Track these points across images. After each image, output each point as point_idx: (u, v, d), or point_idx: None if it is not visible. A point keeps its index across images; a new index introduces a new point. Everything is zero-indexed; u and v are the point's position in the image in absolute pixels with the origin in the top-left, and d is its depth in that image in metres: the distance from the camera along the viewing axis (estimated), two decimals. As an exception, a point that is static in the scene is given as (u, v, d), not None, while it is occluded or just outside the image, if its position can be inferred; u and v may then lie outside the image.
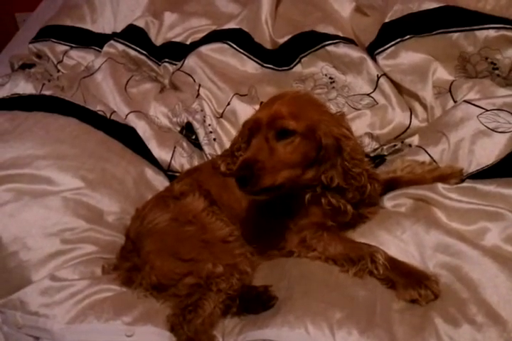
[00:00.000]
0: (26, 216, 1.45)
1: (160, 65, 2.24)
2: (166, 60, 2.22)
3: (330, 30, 2.03)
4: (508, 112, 1.55)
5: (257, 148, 1.30)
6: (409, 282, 1.24)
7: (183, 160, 1.88)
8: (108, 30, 2.38)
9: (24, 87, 2.03)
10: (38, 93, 1.99)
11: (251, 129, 1.36)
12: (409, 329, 1.15)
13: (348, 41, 1.98)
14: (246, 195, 1.33)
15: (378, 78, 1.88)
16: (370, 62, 1.90)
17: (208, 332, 1.25)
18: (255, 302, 1.26)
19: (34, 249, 1.41)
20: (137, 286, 1.37)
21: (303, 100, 1.42)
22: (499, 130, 1.54)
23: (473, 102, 1.62)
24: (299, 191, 1.41)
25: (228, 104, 1.98)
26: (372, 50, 1.92)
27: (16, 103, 1.78)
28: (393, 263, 1.30)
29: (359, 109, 1.88)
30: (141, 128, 1.91)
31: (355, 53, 1.93)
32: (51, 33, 2.37)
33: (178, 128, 2.02)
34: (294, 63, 2.03)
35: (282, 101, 1.37)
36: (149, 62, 2.24)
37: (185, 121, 2.00)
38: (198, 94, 2.03)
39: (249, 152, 1.31)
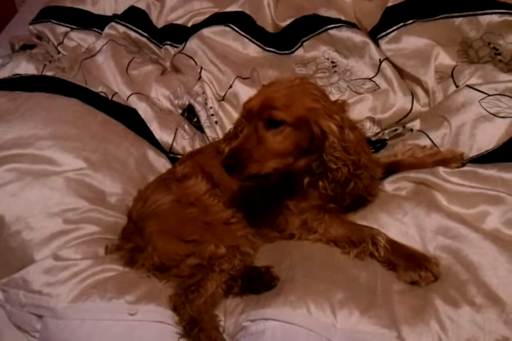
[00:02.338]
0: (29, 196, 1.45)
1: (161, 48, 2.24)
2: (168, 42, 2.22)
3: (332, 14, 2.02)
4: (510, 97, 1.56)
5: (246, 137, 1.31)
6: (410, 264, 1.26)
7: (184, 143, 1.88)
8: (109, 12, 2.37)
9: (26, 68, 2.02)
10: (40, 74, 1.98)
11: (244, 117, 1.37)
12: (409, 310, 1.16)
13: (350, 25, 1.97)
14: (235, 180, 1.35)
15: (380, 62, 1.87)
16: (372, 46, 1.89)
17: (210, 311, 1.26)
18: (257, 283, 1.27)
19: (37, 229, 1.41)
20: (140, 267, 1.38)
21: (297, 88, 1.38)
22: (501, 115, 1.54)
23: (475, 87, 1.62)
24: (296, 175, 1.42)
25: (230, 86, 1.98)
26: (375, 34, 1.92)
27: (17, 83, 1.77)
28: (394, 246, 1.31)
29: (361, 93, 1.88)
30: (143, 110, 1.91)
31: (357, 37, 1.92)
32: (51, 14, 2.36)
33: (180, 111, 2.01)
34: (296, 47, 2.03)
35: (275, 90, 1.36)
36: (150, 45, 2.24)
37: (187, 103, 1.99)
38: (200, 77, 2.03)
39: (238, 141, 1.32)
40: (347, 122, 1.38)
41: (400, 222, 1.39)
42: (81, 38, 2.30)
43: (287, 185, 1.45)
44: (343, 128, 1.35)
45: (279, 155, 1.31)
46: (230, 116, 1.94)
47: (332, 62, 1.96)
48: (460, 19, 1.78)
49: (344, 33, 1.94)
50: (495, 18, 1.72)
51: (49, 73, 1.95)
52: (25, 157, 1.51)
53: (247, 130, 1.33)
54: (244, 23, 2.12)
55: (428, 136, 1.63)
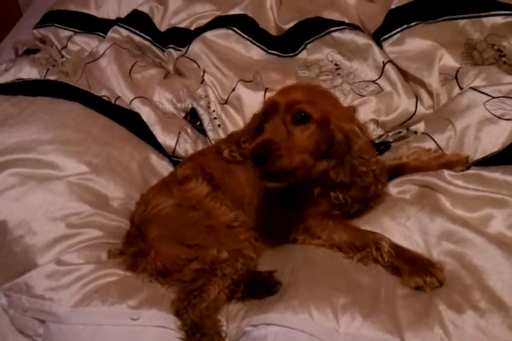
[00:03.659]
0: (31, 200, 1.45)
1: (164, 51, 2.24)
2: (171, 45, 2.22)
3: (336, 16, 2.01)
4: (515, 100, 1.55)
5: (274, 130, 1.28)
6: (415, 269, 1.25)
7: (187, 146, 1.88)
8: (112, 16, 2.37)
9: (29, 72, 2.02)
10: (43, 78, 1.98)
11: (267, 112, 1.34)
12: (413, 315, 1.15)
13: (353, 27, 1.96)
14: (261, 178, 1.29)
15: (384, 65, 1.87)
16: (376, 48, 1.89)
17: (213, 316, 1.26)
18: (260, 287, 1.27)
19: (39, 233, 1.41)
20: (142, 271, 1.37)
21: (317, 91, 1.41)
22: (505, 117, 1.53)
23: (479, 89, 1.61)
24: (309, 185, 1.40)
25: (233, 90, 1.97)
26: (378, 36, 1.91)
27: (20, 88, 1.78)
28: (398, 251, 1.30)
29: (364, 96, 1.87)
30: (146, 113, 1.91)
31: (361, 40, 1.91)
32: (55, 18, 2.36)
33: (183, 114, 2.01)
34: (299, 49, 2.02)
35: (298, 89, 1.37)
36: (154, 48, 2.24)
37: (190, 107, 1.99)
38: (203, 80, 2.03)
39: (267, 133, 1.28)
40: (363, 126, 1.40)
41: (403, 227, 1.38)
42: (84, 42, 2.30)
43: (293, 192, 1.44)
44: (364, 132, 1.36)
45: (304, 151, 1.29)
46: (232, 120, 1.94)
47: (335, 64, 1.96)
48: (464, 21, 1.77)
49: (347, 36, 1.93)
50: (499, 20, 1.71)
51: (52, 77, 1.96)
52: (28, 161, 1.51)
53: (274, 123, 1.30)
54: (247, 26, 2.12)
55: (433, 139, 1.62)
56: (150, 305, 1.28)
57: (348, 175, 1.35)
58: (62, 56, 2.28)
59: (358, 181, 1.37)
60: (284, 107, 1.31)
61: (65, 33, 2.32)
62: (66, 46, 2.31)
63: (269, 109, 1.34)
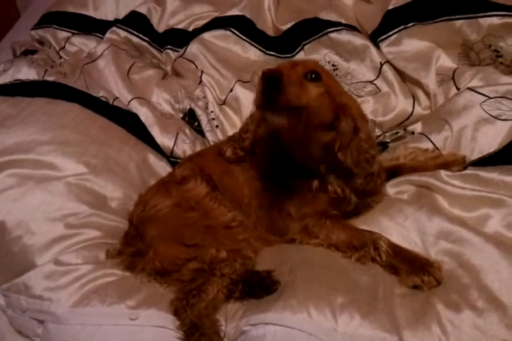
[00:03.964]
0: (30, 201, 1.45)
1: (162, 52, 2.24)
2: (169, 46, 2.22)
3: (333, 17, 2.02)
4: (511, 100, 1.55)
5: (287, 70, 1.23)
6: (412, 268, 1.25)
7: (185, 147, 1.87)
8: (110, 17, 2.36)
9: (27, 73, 2.02)
10: (41, 79, 1.98)
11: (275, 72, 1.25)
12: (411, 314, 1.16)
13: (351, 28, 1.97)
14: (267, 109, 1.24)
15: (381, 65, 1.87)
16: (373, 49, 1.89)
17: (211, 316, 1.26)
18: (258, 287, 1.27)
19: (38, 234, 1.41)
20: (140, 271, 1.37)
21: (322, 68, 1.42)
22: (502, 117, 1.54)
23: (476, 90, 1.62)
24: (309, 174, 1.41)
25: (231, 90, 1.98)
26: (376, 37, 1.91)
27: (18, 89, 1.78)
28: (396, 250, 1.30)
29: (362, 96, 1.87)
30: (144, 114, 1.90)
31: (358, 40, 1.92)
32: (53, 19, 2.36)
33: (181, 115, 2.01)
34: (297, 50, 2.03)
35: (307, 60, 1.39)
36: (151, 49, 2.24)
37: (188, 107, 1.99)
38: (201, 81, 2.03)
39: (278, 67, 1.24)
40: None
41: (401, 226, 1.38)
42: (82, 43, 2.30)
43: (291, 187, 1.46)
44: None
45: (312, 101, 1.25)
46: (230, 120, 1.94)
47: (333, 65, 1.96)
48: (461, 22, 1.78)
49: (345, 36, 1.94)
50: (495, 21, 1.72)
51: (50, 78, 1.95)
52: (27, 162, 1.51)
53: (287, 70, 1.23)
54: (244, 27, 2.12)
55: (430, 139, 1.63)
56: (148, 305, 1.27)
57: (356, 158, 1.35)
58: (60, 57, 2.28)
59: (365, 166, 1.37)
60: (296, 65, 1.29)
61: (63, 34, 2.32)
62: (64, 47, 2.30)
63: (279, 65, 1.32)
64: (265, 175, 1.51)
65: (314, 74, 1.29)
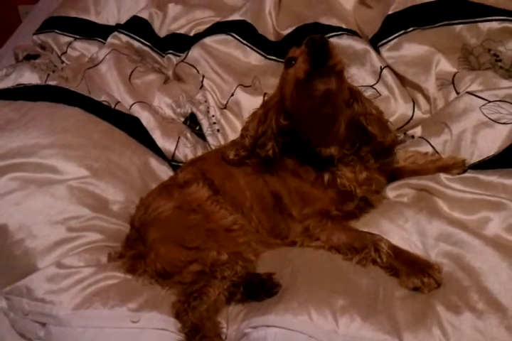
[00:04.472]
0: (32, 204, 1.46)
1: (164, 57, 2.26)
2: (170, 51, 2.23)
3: (333, 22, 2.03)
4: (511, 103, 1.56)
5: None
6: (413, 270, 1.25)
7: (186, 151, 1.88)
8: (112, 22, 2.38)
9: (29, 78, 2.03)
10: (43, 83, 1.99)
11: (294, 55, 1.34)
12: (411, 317, 1.16)
13: (351, 33, 1.97)
14: (314, 76, 1.25)
15: (381, 70, 1.88)
16: (373, 54, 1.90)
17: (213, 318, 1.26)
18: (259, 289, 1.27)
19: (40, 237, 1.42)
20: (142, 274, 1.38)
21: None
22: (501, 121, 1.55)
23: (475, 94, 1.62)
24: (335, 143, 1.44)
25: (232, 95, 1.99)
26: (376, 41, 1.92)
27: (21, 93, 1.79)
28: (396, 252, 1.31)
29: (362, 101, 1.88)
30: (145, 118, 1.91)
31: (358, 45, 1.93)
32: (55, 24, 2.38)
33: (182, 119, 2.02)
34: (298, 55, 2.04)
35: None
36: (153, 54, 2.25)
37: (189, 111, 2.00)
38: (202, 85, 2.04)
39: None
40: None
41: (401, 229, 1.39)
42: (84, 48, 2.32)
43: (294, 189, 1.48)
44: None
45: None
46: (231, 125, 1.95)
47: (334, 69, 1.97)
48: (460, 26, 1.78)
49: (345, 41, 1.95)
50: (495, 25, 1.73)
51: (52, 83, 1.96)
52: (29, 166, 1.52)
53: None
54: (245, 32, 2.13)
55: (429, 143, 1.63)
56: (150, 307, 1.28)
57: (377, 126, 1.44)
58: (62, 62, 2.29)
59: (390, 135, 1.47)
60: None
61: (65, 38, 2.34)
62: (66, 52, 2.32)
63: (295, 53, 1.35)
64: (268, 176, 1.53)
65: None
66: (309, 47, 1.24)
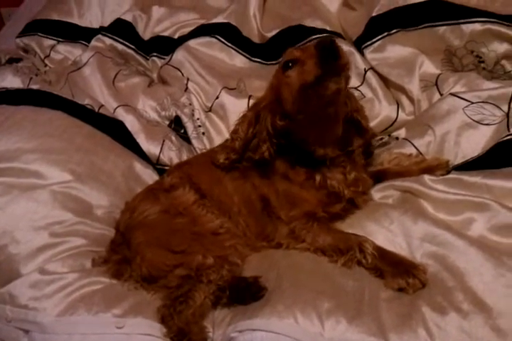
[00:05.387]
0: (15, 209, 1.44)
1: (148, 59, 2.24)
2: (154, 54, 2.22)
3: (317, 24, 2.03)
4: (493, 105, 1.57)
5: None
6: (398, 271, 1.26)
7: (171, 154, 1.87)
8: (95, 25, 2.37)
9: (11, 81, 2.01)
10: (26, 87, 1.97)
11: (291, 58, 1.36)
12: (396, 318, 1.16)
13: (335, 35, 1.98)
14: (327, 76, 1.26)
15: (365, 72, 1.88)
16: (357, 55, 1.90)
17: (199, 322, 1.26)
18: (245, 293, 1.27)
19: (23, 243, 1.41)
20: (127, 278, 1.37)
21: None
22: (484, 122, 1.56)
23: (459, 95, 1.64)
24: (332, 142, 1.45)
25: (217, 97, 1.98)
26: (360, 43, 1.93)
27: (3, 97, 1.77)
28: (381, 253, 1.31)
29: (346, 103, 1.88)
30: (130, 122, 1.90)
31: (342, 47, 1.92)
32: (38, 27, 2.36)
33: (167, 122, 2.01)
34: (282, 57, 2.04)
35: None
36: (137, 57, 2.24)
37: (174, 114, 2.00)
38: (187, 88, 2.03)
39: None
40: None
41: (386, 230, 1.39)
42: (68, 51, 2.30)
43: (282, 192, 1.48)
44: None
45: None
46: (216, 127, 1.95)
47: (318, 71, 1.97)
48: (443, 28, 1.79)
49: (329, 43, 1.95)
50: (477, 27, 1.74)
51: (35, 86, 1.95)
52: (12, 170, 1.50)
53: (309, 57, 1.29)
54: (230, 34, 2.13)
55: (413, 144, 1.64)
56: (135, 313, 1.27)
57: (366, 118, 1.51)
58: (46, 65, 2.28)
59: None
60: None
61: (48, 41, 2.32)
62: (49, 55, 2.30)
63: (292, 56, 1.37)
64: (256, 180, 1.52)
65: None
66: (320, 50, 1.25)
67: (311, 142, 1.45)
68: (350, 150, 1.49)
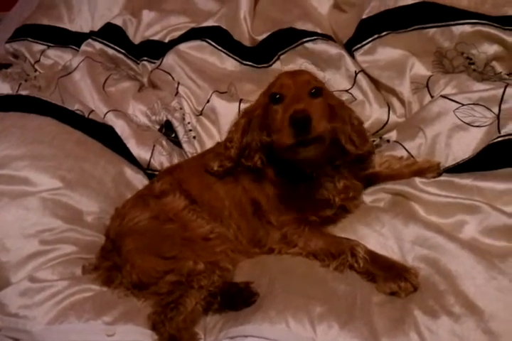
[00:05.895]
0: (5, 217, 1.44)
1: (138, 64, 2.24)
2: (145, 58, 2.22)
3: (308, 27, 2.03)
4: (484, 106, 1.58)
5: (299, 101, 1.31)
6: (389, 275, 1.25)
7: (162, 159, 1.87)
8: (85, 29, 2.37)
9: (1, 87, 2.01)
10: (15, 93, 1.97)
11: (279, 92, 1.37)
12: (389, 322, 1.16)
13: (326, 38, 1.98)
14: (298, 146, 1.29)
15: (356, 74, 1.89)
16: (348, 58, 1.91)
17: (190, 329, 1.24)
18: (236, 299, 1.26)
19: (13, 250, 1.40)
20: (118, 285, 1.36)
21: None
22: (475, 124, 1.56)
23: (449, 97, 1.64)
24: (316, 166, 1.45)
25: (208, 101, 1.98)
26: (350, 46, 1.93)
27: (-8, 103, 1.76)
28: (373, 257, 1.31)
29: (338, 105, 1.88)
30: (120, 127, 1.90)
31: (333, 50, 1.93)
32: (28, 32, 2.36)
33: (158, 127, 2.01)
34: (273, 60, 2.04)
35: (302, 72, 1.48)
36: (128, 61, 2.24)
37: (165, 119, 1.99)
38: (177, 92, 2.03)
39: (297, 105, 1.30)
40: None
41: (378, 234, 1.39)
42: (58, 56, 2.30)
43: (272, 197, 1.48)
44: None
45: (326, 120, 1.34)
46: (208, 131, 1.94)
47: (309, 74, 1.97)
48: (434, 30, 1.80)
49: (320, 46, 1.96)
50: (467, 28, 1.75)
51: (24, 92, 1.94)
52: (1, 178, 1.50)
53: (295, 97, 1.33)
54: (221, 38, 2.13)
55: (404, 147, 1.65)
56: (126, 320, 1.26)
57: (357, 138, 1.45)
58: (36, 70, 2.28)
59: (367, 145, 1.48)
60: (299, 85, 1.36)
61: (38, 46, 2.32)
62: (39, 60, 2.30)
63: (281, 89, 1.38)
64: (247, 183, 1.52)
65: (315, 89, 1.37)
66: (293, 124, 1.26)
67: (296, 163, 1.45)
68: (336, 164, 1.49)
